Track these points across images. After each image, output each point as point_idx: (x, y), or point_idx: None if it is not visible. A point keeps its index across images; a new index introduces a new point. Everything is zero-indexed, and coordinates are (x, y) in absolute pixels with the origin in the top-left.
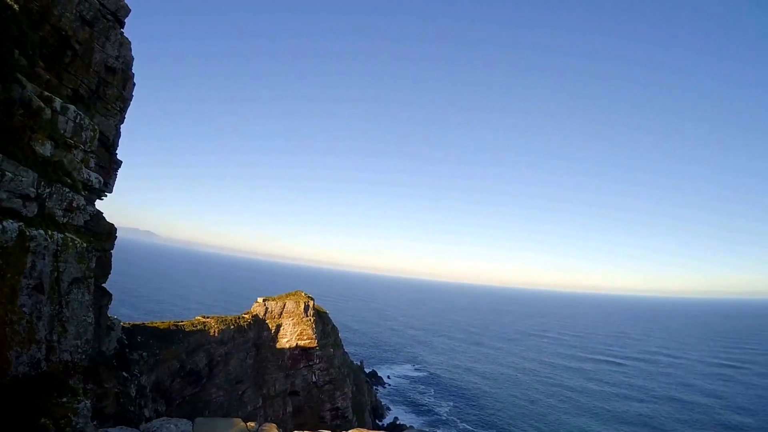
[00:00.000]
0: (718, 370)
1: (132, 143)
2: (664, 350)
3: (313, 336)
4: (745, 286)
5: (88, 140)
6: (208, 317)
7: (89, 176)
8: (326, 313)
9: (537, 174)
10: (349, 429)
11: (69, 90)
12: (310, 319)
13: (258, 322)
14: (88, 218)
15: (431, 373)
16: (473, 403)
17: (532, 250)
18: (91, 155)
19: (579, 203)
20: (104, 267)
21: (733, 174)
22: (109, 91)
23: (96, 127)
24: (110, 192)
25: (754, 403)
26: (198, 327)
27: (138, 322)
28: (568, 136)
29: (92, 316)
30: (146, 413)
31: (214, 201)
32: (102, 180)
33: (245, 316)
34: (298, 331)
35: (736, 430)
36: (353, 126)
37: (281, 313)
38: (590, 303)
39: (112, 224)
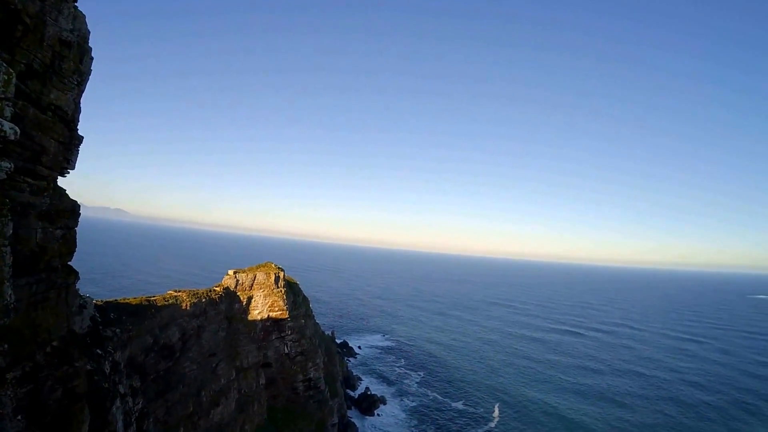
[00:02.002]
0: (679, 344)
1: (101, 122)
2: (626, 322)
3: (285, 307)
4: (708, 258)
5: (0, 84)
6: (179, 291)
7: (1, 126)
8: (297, 283)
9: (502, 144)
10: (322, 399)
11: (22, 65)
12: (281, 291)
13: (229, 295)
14: (4, 176)
15: (400, 343)
16: (441, 374)
17: (498, 218)
18: (6, 103)
19: (545, 171)
20: (69, 245)
21: (707, 148)
22: (65, 65)
23: (11, 71)
24: (72, 168)
25: (714, 380)
26: (170, 301)
27: (110, 299)
28: (530, 104)
29: (8, 290)
30: (121, 389)
31: (184, 177)
32: (17, 131)
33: (216, 288)
34: (270, 303)
35: (695, 408)
36: (318, 102)
37: (252, 285)
38: (555, 272)
39: (75, 201)
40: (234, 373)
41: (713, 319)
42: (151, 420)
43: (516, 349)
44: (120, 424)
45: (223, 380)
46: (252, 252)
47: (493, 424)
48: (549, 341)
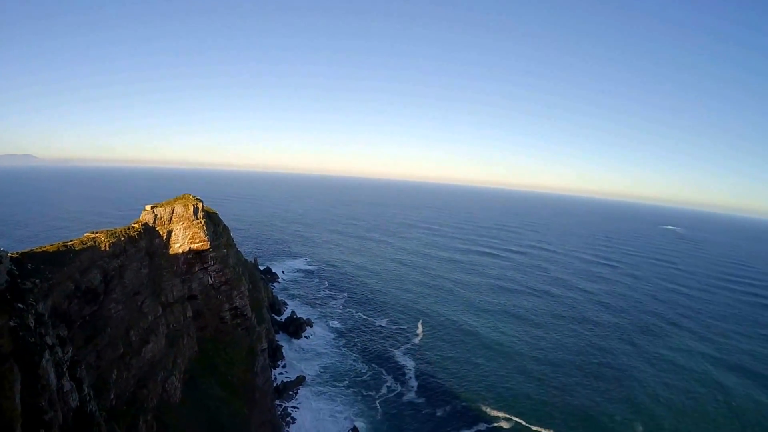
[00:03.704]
0: (592, 267)
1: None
2: (541, 244)
3: (205, 238)
4: (627, 189)
5: None
6: (96, 232)
7: None
8: (216, 213)
9: (426, 62)
10: (249, 326)
11: None
12: (201, 222)
13: (148, 230)
14: None
15: (321, 267)
16: (364, 295)
17: (419, 144)
18: None
19: (469, 91)
20: None
21: (631, 75)
22: None
23: None
24: None
25: (622, 302)
26: (88, 244)
27: (26, 250)
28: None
29: None
30: (48, 341)
31: (94, 113)
32: None
33: (135, 225)
34: (190, 235)
35: (604, 327)
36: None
37: (171, 219)
38: (473, 196)
39: None
40: (160, 309)
41: (625, 245)
42: (83, 367)
43: (434, 269)
44: (52, 376)
45: (150, 317)
46: (168, 186)
47: (417, 341)
48: (466, 262)
